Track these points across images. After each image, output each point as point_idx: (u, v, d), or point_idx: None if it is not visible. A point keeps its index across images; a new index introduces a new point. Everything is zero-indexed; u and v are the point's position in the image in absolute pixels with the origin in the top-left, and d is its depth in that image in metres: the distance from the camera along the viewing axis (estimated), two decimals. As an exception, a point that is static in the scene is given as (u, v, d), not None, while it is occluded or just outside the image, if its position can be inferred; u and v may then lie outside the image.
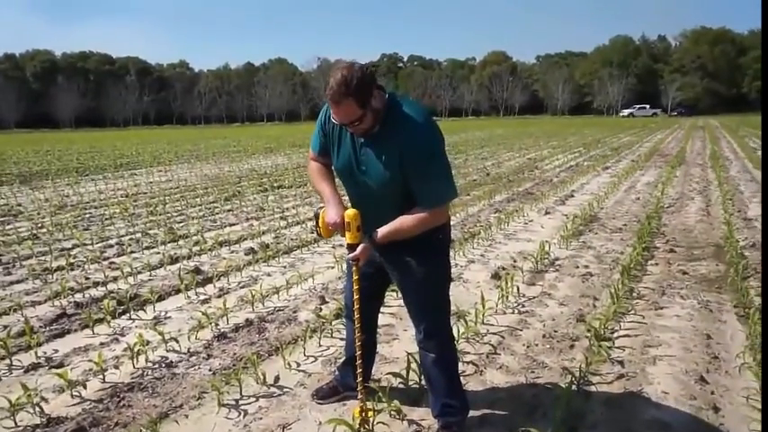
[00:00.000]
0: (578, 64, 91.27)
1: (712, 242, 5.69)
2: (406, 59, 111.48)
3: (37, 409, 2.62)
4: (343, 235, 2.19)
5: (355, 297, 2.27)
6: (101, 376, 2.94)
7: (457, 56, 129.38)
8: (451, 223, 2.62)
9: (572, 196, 8.78)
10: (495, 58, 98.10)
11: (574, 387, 2.68)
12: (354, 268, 2.24)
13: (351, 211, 2.15)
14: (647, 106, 68.79)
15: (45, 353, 3.28)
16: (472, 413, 2.47)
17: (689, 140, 21.11)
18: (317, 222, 2.28)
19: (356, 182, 2.19)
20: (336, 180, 2.34)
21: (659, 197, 8.24)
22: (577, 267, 4.89)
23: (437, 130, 2.09)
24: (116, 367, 3.07)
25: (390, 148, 2.05)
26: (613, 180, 10.30)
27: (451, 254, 3.37)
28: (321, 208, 2.28)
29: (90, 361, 3.08)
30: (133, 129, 68.98)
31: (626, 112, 69.19)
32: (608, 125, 39.18)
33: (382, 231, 2.13)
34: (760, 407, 2.03)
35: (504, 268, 4.85)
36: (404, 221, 2.10)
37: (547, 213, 7.38)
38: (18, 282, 4.71)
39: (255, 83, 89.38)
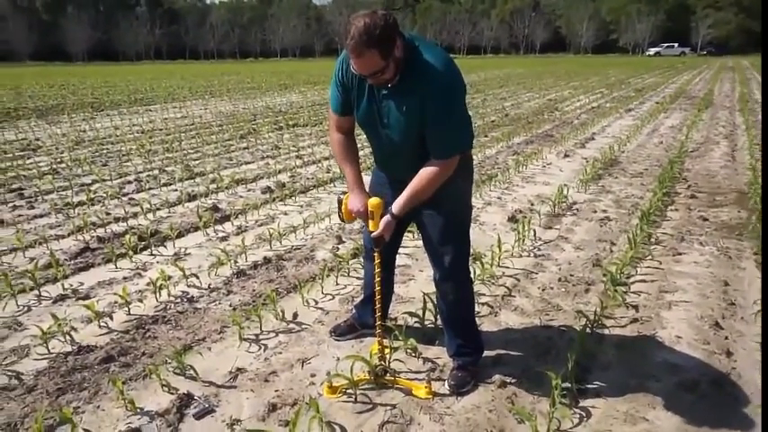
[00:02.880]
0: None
1: (735, 188, 5.57)
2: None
3: (67, 337, 2.74)
4: (366, 223, 2.20)
5: (376, 261, 2.26)
6: (126, 309, 3.04)
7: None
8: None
9: (592, 139, 8.59)
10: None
11: (588, 330, 2.71)
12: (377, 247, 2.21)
13: (374, 200, 2.15)
14: (676, 45, 65.84)
15: (71, 285, 3.39)
16: (487, 353, 2.52)
17: (717, 82, 20.31)
18: (340, 208, 2.31)
19: (378, 134, 2.14)
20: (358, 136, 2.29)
21: (683, 141, 8.03)
22: (595, 212, 4.84)
23: (459, 78, 2.00)
24: (140, 301, 3.17)
25: (412, 98, 1.97)
26: (636, 123, 10.02)
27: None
28: (345, 194, 2.30)
29: (115, 294, 3.17)
30: (146, 63, 68.10)
31: (652, 50, 66.41)
32: (633, 65, 37.73)
33: (399, 204, 2.10)
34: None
35: (521, 211, 4.82)
36: (417, 186, 2.06)
37: (566, 156, 7.25)
38: (41, 216, 4.81)
39: (269, 16, 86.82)
